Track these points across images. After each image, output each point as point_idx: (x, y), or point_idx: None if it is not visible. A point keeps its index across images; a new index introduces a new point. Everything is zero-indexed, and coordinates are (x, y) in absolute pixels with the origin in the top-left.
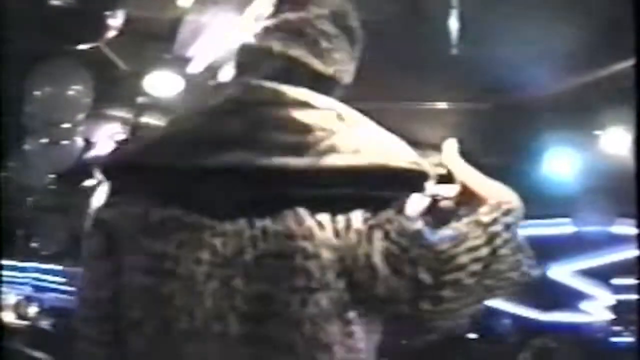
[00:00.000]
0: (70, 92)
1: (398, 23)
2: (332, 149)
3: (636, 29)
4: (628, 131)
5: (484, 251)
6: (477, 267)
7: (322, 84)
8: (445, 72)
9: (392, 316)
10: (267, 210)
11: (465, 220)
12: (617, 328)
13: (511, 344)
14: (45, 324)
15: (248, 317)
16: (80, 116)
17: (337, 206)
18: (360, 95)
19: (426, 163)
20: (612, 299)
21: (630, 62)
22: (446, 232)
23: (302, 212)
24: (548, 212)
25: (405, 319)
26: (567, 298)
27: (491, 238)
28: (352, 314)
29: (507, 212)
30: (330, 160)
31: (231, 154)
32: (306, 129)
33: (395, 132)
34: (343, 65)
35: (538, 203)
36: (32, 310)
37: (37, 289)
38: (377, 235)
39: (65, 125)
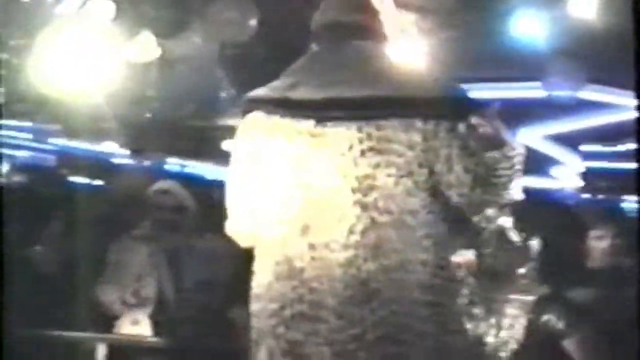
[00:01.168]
0: None
1: None
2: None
3: None
4: None
5: (509, 172)
6: (504, 179)
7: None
8: None
9: (455, 197)
10: (372, 120)
11: (499, 151)
12: (585, 195)
13: None
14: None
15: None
16: None
17: (426, 120)
18: None
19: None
20: (581, 165)
21: None
22: (493, 153)
23: (399, 123)
24: (517, 75)
25: (462, 199)
26: (537, 162)
27: (512, 165)
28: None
29: (519, 155)
30: (422, 92)
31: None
32: (395, 70)
33: None
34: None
35: (507, 65)
36: (4, 168)
37: (9, 146)
38: (455, 142)
39: None
